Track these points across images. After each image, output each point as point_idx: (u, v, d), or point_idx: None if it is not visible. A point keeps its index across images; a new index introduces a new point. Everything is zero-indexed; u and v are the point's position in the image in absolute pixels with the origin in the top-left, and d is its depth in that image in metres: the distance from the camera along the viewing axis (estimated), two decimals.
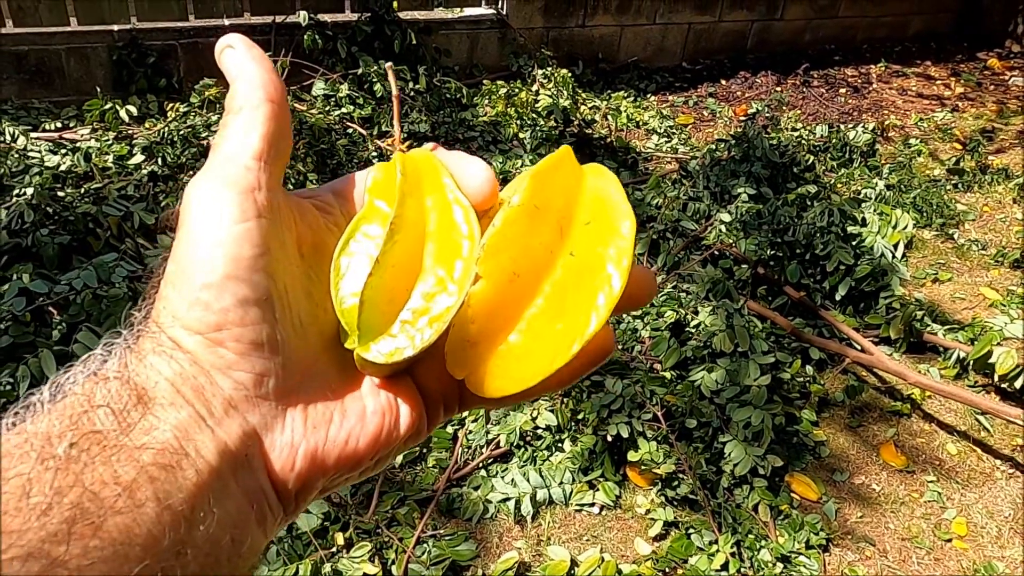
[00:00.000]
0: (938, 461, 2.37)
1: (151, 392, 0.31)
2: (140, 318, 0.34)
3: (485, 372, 0.36)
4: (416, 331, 0.35)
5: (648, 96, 4.61)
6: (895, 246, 3.10)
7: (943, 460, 2.37)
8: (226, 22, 3.86)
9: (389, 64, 0.44)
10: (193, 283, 0.32)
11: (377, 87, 3.64)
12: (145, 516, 0.28)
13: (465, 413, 2.24)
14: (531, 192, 0.36)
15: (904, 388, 2.56)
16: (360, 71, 3.71)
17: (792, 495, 2.18)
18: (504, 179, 3.20)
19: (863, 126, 4.08)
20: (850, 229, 3.03)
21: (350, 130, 3.39)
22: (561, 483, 2.13)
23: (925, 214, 3.49)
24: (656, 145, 4.02)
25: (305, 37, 3.81)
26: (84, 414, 0.29)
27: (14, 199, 2.68)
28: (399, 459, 2.14)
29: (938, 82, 5.17)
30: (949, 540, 2.12)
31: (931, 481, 2.29)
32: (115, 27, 3.67)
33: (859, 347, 2.62)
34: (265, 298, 0.33)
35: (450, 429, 2.25)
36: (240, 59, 0.37)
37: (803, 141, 3.91)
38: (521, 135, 3.68)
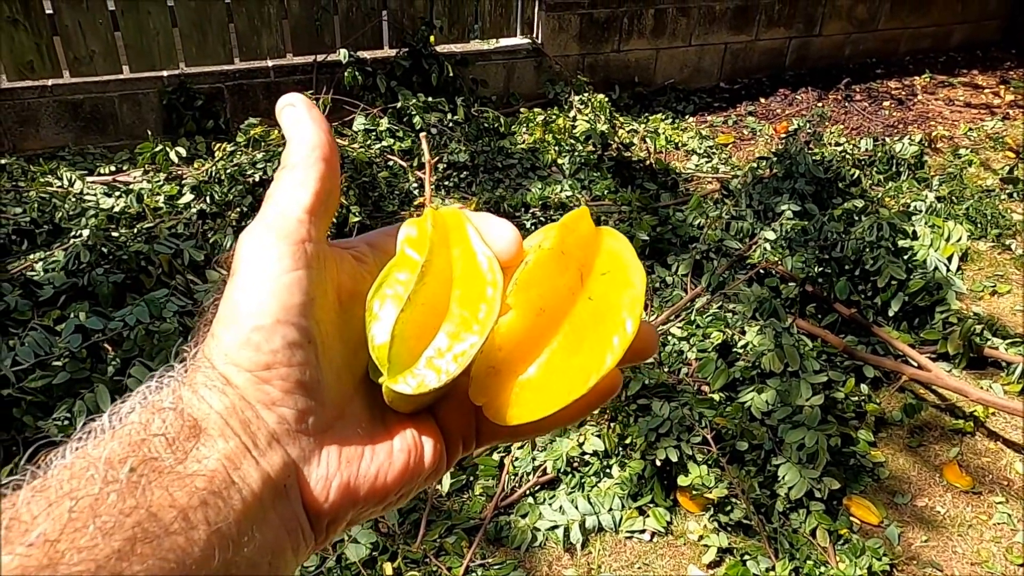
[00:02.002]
0: (1006, 481, 2.27)
1: (202, 423, 0.33)
2: (192, 353, 0.37)
3: (504, 400, 0.39)
4: (442, 365, 0.37)
5: (686, 117, 4.59)
6: (949, 259, 3.01)
7: (1011, 480, 2.27)
8: (269, 63, 3.97)
9: (424, 134, 0.46)
10: (245, 325, 0.35)
11: (416, 119, 3.69)
12: (198, 537, 0.30)
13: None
14: (559, 238, 0.40)
15: (966, 405, 2.47)
16: (399, 105, 3.78)
17: (852, 519, 2.11)
18: (544, 204, 3.20)
19: (909, 138, 4.00)
20: (901, 243, 2.95)
21: (390, 162, 3.44)
22: (610, 509, 2.09)
23: (979, 225, 3.39)
24: (696, 165, 3.99)
25: (346, 74, 3.90)
26: (143, 442, 0.31)
27: (71, 241, 2.78)
28: (446, 487, 2.13)
29: (986, 91, 5.04)
30: (1022, 564, 2.02)
31: (1000, 502, 2.19)
32: (165, 73, 3.81)
33: (916, 364, 2.53)
34: (310, 342, 0.35)
35: (496, 456, 2.23)
36: (299, 117, 0.39)
37: (847, 156, 3.84)
38: (560, 161, 3.69)
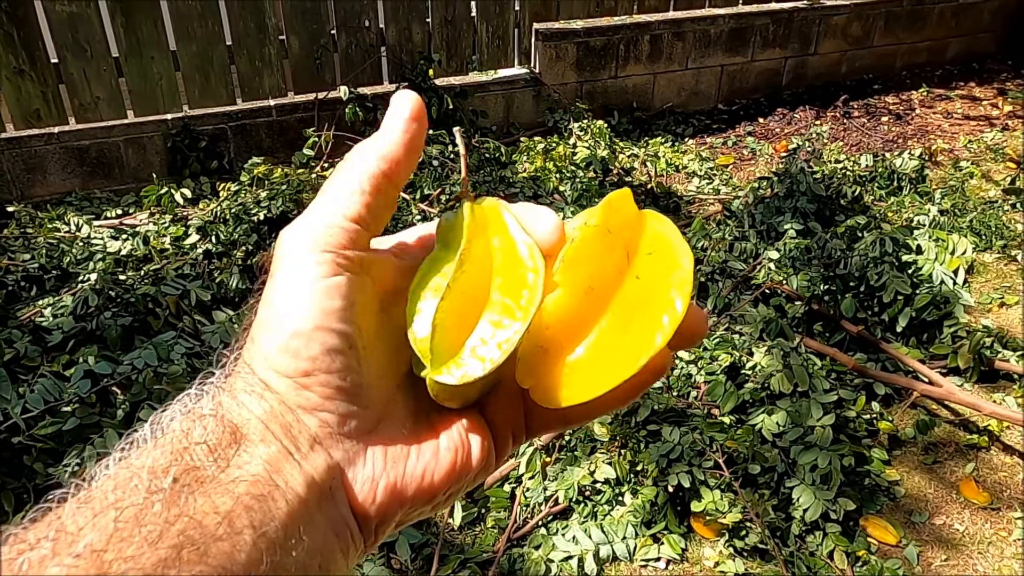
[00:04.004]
0: None
1: (243, 429, 0.33)
2: (232, 358, 0.37)
3: (553, 382, 0.38)
4: (485, 354, 0.37)
5: (686, 140, 4.62)
6: (955, 272, 3.00)
7: None
8: (271, 102, 4.03)
9: (458, 128, 0.47)
10: (284, 330, 0.34)
11: None
12: (244, 543, 0.30)
13: (523, 469, 2.21)
14: (604, 216, 0.40)
15: (979, 420, 2.44)
16: None
17: (869, 540, 2.08)
18: None
19: (909, 152, 4.01)
20: (905, 258, 2.94)
21: None
22: (624, 538, 2.07)
23: (984, 237, 3.38)
24: (697, 188, 4.01)
25: (347, 110, 3.94)
26: (184, 451, 0.31)
27: (79, 285, 2.80)
28: (458, 520, 2.11)
29: (984, 102, 5.06)
30: None
31: (1019, 518, 2.16)
32: (169, 116, 3.87)
33: (927, 379, 2.51)
34: (351, 347, 0.35)
35: (507, 488, 2.22)
36: (392, 124, 0.39)
37: (848, 172, 3.85)
38: (561, 188, 3.71)
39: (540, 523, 2.13)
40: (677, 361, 2.60)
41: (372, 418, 0.37)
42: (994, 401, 2.46)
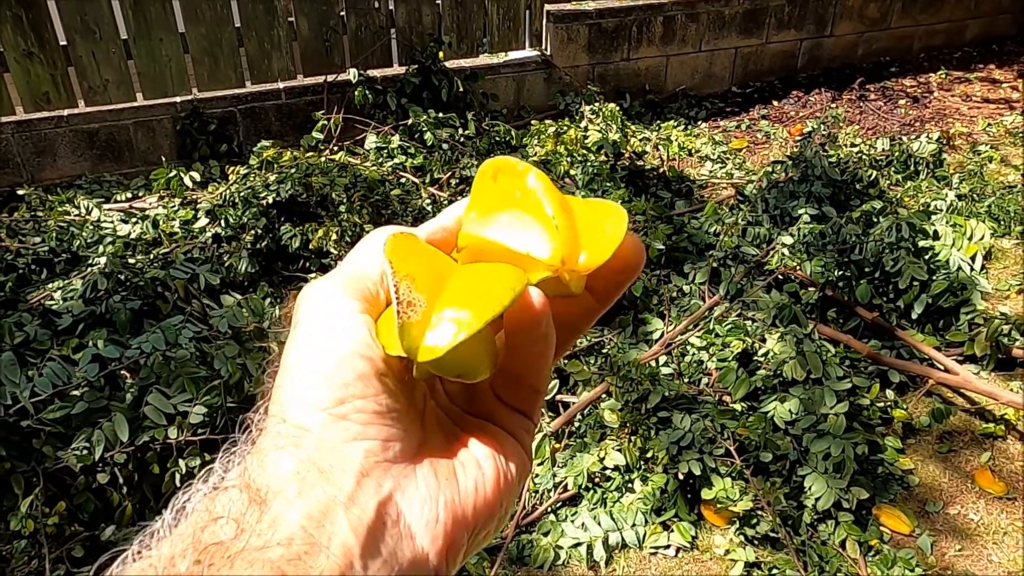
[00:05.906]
0: None
1: (273, 489, 0.31)
2: (255, 420, 0.36)
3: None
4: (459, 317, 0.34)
5: (699, 123, 4.56)
6: (972, 258, 2.95)
7: None
8: (280, 85, 4.00)
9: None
10: (316, 364, 0.34)
11: (427, 136, 3.70)
12: None
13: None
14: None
15: (996, 408, 2.41)
16: (410, 122, 3.78)
17: (882, 529, 2.06)
18: None
19: (927, 136, 3.94)
20: (921, 243, 2.89)
21: (403, 180, 3.44)
22: (634, 525, 2.06)
23: (1003, 222, 3.32)
24: (710, 172, 3.96)
25: (356, 93, 3.91)
26: (204, 529, 0.30)
27: (89, 269, 2.80)
28: None
29: (1004, 85, 4.96)
30: None
31: None
32: (178, 99, 3.85)
33: (942, 367, 2.48)
34: (381, 373, 0.35)
35: None
36: (444, 217, 0.42)
37: (864, 156, 3.79)
38: (572, 172, 3.67)
39: (549, 509, 2.12)
40: (689, 347, 2.57)
41: (414, 440, 0.36)
42: (1011, 389, 2.42)
